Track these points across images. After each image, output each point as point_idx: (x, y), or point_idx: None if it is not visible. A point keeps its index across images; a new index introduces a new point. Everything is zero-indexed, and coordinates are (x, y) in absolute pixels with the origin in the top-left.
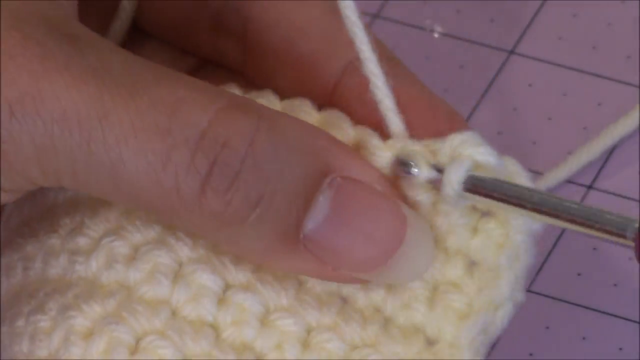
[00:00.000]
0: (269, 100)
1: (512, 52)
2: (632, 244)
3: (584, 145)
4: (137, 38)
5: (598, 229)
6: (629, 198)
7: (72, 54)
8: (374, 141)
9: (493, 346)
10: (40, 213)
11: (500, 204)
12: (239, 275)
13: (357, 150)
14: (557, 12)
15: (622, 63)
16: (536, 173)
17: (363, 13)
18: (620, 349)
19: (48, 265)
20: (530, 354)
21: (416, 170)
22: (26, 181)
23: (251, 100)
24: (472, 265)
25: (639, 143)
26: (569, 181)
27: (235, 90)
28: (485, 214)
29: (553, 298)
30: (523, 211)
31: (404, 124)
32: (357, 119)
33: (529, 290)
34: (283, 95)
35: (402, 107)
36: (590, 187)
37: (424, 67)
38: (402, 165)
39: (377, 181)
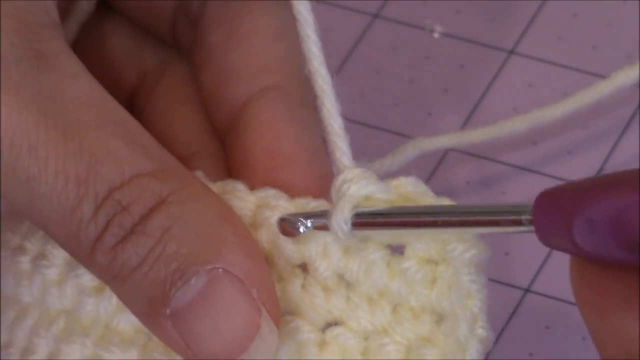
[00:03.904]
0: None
1: (512, 52)
2: (532, 228)
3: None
4: (105, 12)
5: (498, 224)
6: None
7: (26, 73)
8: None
9: (493, 345)
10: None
11: (398, 230)
12: None
13: (260, 250)
14: (557, 12)
15: (622, 63)
16: (537, 173)
17: (363, 13)
18: None
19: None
20: (530, 354)
21: (302, 228)
22: None
23: (177, 169)
24: (440, 316)
25: (639, 142)
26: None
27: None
28: (439, 261)
29: (553, 298)
30: (420, 230)
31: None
32: (256, 151)
33: (529, 290)
34: None
35: (281, 163)
36: None
37: (424, 67)
38: (290, 225)
39: (258, 284)
